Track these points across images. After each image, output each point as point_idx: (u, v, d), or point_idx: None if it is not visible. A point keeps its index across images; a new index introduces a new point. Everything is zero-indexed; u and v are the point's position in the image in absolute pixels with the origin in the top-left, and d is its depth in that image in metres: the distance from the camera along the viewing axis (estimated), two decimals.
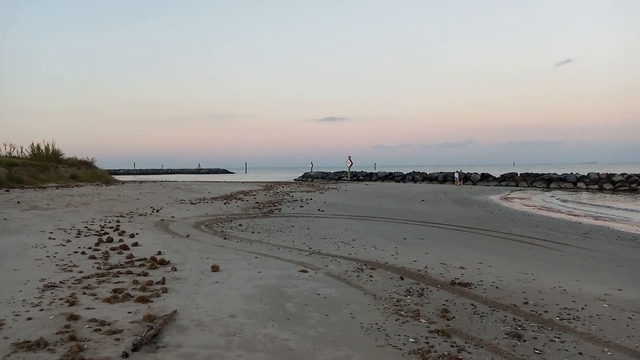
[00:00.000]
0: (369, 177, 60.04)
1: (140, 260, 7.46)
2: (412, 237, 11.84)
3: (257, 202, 20.32)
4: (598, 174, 46.01)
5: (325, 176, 65.08)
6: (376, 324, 4.70)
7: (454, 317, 5.02)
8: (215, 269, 6.90)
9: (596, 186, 43.48)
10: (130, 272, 6.57)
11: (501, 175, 51.94)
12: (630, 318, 5.19)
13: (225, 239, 10.48)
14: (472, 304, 5.54)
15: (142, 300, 5.22)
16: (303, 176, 69.29)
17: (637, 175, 44.03)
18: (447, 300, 5.67)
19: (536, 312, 5.31)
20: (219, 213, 16.07)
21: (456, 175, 48.79)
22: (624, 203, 28.56)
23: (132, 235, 10.01)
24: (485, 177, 51.39)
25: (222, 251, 8.68)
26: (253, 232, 11.78)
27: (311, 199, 22.80)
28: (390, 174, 59.85)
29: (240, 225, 13.11)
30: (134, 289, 5.69)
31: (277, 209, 18.00)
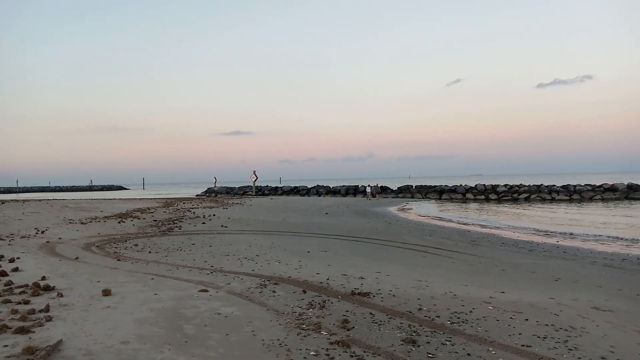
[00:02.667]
0: (274, 191, 60.04)
1: (21, 287, 6.80)
2: (315, 250, 11.99)
3: (155, 220, 19.44)
4: (484, 185, 49.95)
5: (229, 191, 64.02)
6: (278, 339, 4.67)
7: (353, 327, 5.13)
8: (106, 293, 6.46)
9: (483, 196, 47.16)
10: (8, 301, 5.95)
11: (398, 188, 54.53)
12: (511, 318, 5.64)
13: (119, 260, 9.89)
14: (371, 313, 5.70)
15: (22, 331, 4.74)
16: (206, 191, 67.66)
17: (517, 186, 48.45)
18: (347, 311, 5.79)
19: (429, 317, 5.60)
20: (112, 233, 15.14)
21: (368, 189, 49.42)
22: (507, 212, 31.22)
23: (11, 260, 9.11)
24: (384, 190, 53.61)
25: (114, 273, 8.16)
26: (150, 252, 11.23)
27: (214, 215, 22.28)
28: (295, 187, 60.35)
29: (136, 245, 12.45)
30: (12, 319, 5.15)
31: (177, 226, 17.35)
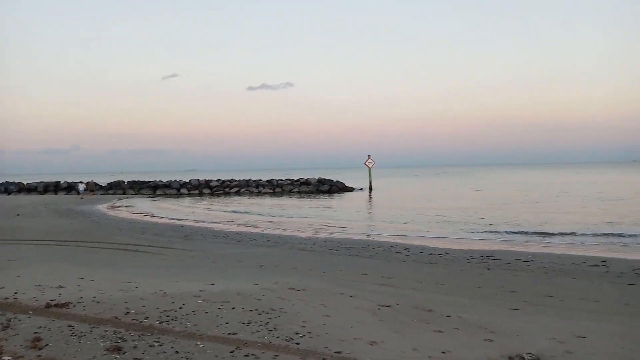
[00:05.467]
0: None
1: None
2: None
3: None
4: (198, 180, 50.99)
5: None
6: None
7: (47, 345, 4.49)
8: None
9: (197, 191, 48.11)
10: None
11: (108, 184, 50.88)
12: (219, 308, 5.85)
13: None
14: (70, 325, 5.10)
15: None
16: None
17: (229, 180, 51.10)
18: (40, 327, 5.03)
19: (137, 320, 5.34)
20: None
21: (80, 186, 43.75)
22: (218, 205, 32.59)
23: None
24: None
25: None
26: None
27: None
28: None
29: None
30: None
31: None
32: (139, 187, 49.34)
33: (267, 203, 35.40)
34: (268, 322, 5.30)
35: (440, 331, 5.18)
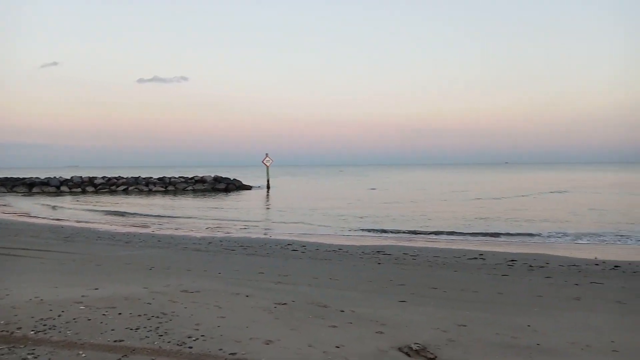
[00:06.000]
0: None
1: None
2: None
3: None
4: (81, 177, 47.40)
5: None
6: None
7: None
8: None
9: (79, 189, 44.67)
10: None
11: None
12: (104, 315, 5.46)
13: None
14: None
15: None
16: None
17: (115, 178, 48.12)
18: None
19: (8, 331, 4.80)
20: None
21: None
22: (104, 204, 30.55)
23: None
24: None
25: None
26: None
27: None
28: None
29: None
30: None
31: None
32: (12, 185, 44.67)
33: (159, 202, 33.91)
34: (158, 327, 5.05)
35: (334, 326, 5.29)
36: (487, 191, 41.33)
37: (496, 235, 16.46)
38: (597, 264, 10.70)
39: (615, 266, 10.36)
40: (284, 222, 20.59)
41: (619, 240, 14.96)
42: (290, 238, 15.30)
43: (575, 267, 10.30)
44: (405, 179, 75.20)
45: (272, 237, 15.81)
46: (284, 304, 6.27)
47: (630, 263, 10.78)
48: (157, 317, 5.43)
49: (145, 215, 23.39)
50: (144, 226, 18.60)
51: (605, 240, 14.92)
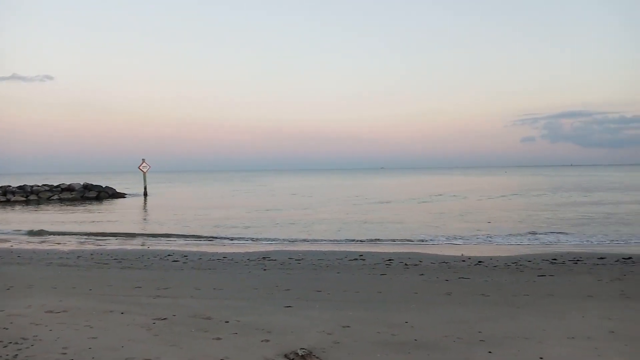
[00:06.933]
0: None
1: None
2: None
3: None
4: None
5: None
6: None
7: None
8: None
9: None
10: None
11: None
12: None
13: None
14: None
15: None
16: None
17: None
18: None
19: None
20: None
21: None
22: None
23: None
24: None
25: None
26: None
27: None
28: None
29: None
30: None
31: None
32: None
33: (17, 213, 30.51)
34: (17, 355, 4.48)
35: (219, 338, 5.12)
36: (365, 195, 43.32)
37: (377, 240, 17.34)
38: (463, 260, 11.67)
39: (479, 262, 11.39)
40: (164, 231, 19.64)
41: (486, 240, 16.49)
42: (170, 248, 14.62)
43: (445, 264, 11.13)
44: (293, 184, 76.08)
45: (151, 247, 14.98)
46: (164, 319, 5.93)
47: (491, 258, 11.92)
48: (16, 343, 4.82)
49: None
50: (2, 240, 16.58)
51: (469, 241, 16.34)
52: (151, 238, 17.72)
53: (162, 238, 17.52)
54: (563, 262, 11.19)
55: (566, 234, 17.22)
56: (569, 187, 50.58)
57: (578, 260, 11.42)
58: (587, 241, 15.59)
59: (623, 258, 11.62)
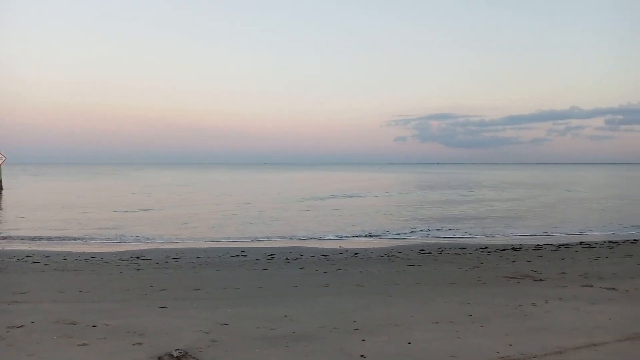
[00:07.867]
0: None
1: None
2: None
3: None
4: None
5: None
6: None
7: None
8: None
9: None
10: None
11: None
12: None
13: None
14: None
15: None
16: None
17: None
18: None
19: None
20: None
21: None
22: None
23: None
24: None
25: None
26: None
27: None
28: None
29: None
30: None
31: None
32: None
33: None
34: None
35: (85, 344, 4.73)
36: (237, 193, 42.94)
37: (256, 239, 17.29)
38: (341, 253, 12.12)
39: (355, 253, 11.91)
40: (21, 229, 17.71)
41: (363, 234, 17.24)
42: (29, 248, 13.23)
43: (324, 257, 11.46)
44: (167, 180, 72.89)
45: (5, 248, 13.43)
46: (20, 326, 5.34)
47: (366, 250, 12.53)
48: None
49: None
50: None
51: (347, 236, 16.97)
52: (4, 237, 15.85)
53: (19, 235, 15.77)
54: (429, 253, 12.12)
55: (435, 228, 18.71)
56: (436, 185, 54.98)
57: (442, 251, 12.45)
58: (451, 235, 17.06)
59: (480, 248, 12.91)
